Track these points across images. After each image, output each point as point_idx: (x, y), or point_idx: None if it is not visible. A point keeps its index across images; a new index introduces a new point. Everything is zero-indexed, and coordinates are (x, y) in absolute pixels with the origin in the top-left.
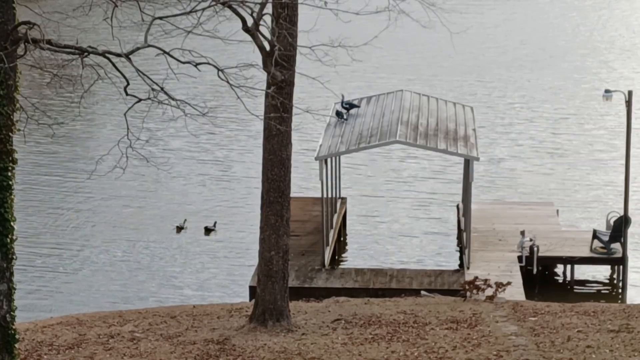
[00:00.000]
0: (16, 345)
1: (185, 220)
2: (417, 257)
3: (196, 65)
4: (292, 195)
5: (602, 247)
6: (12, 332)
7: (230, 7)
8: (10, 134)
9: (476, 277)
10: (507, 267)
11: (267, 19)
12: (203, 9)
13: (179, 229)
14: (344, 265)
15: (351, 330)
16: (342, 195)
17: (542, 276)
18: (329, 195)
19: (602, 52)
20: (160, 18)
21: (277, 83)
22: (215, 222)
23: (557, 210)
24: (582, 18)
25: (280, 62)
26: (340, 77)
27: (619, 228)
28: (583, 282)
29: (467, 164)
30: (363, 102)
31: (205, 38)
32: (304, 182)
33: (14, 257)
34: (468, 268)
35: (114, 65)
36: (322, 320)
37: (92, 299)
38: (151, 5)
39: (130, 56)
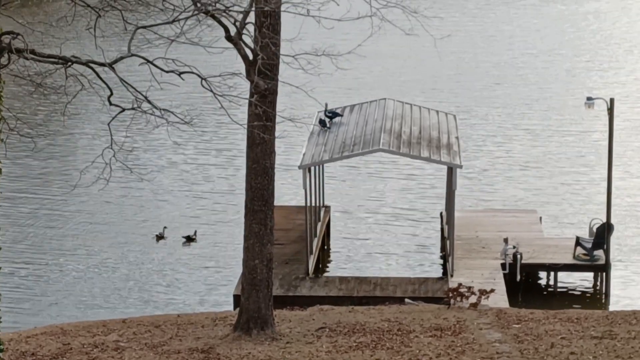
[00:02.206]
0: (0, 355)
1: (165, 228)
2: (401, 265)
3: (180, 74)
4: (275, 203)
5: (585, 254)
6: None
7: (213, 16)
8: None
9: (460, 285)
10: (490, 274)
11: (250, 27)
12: (186, 18)
13: (159, 237)
14: (328, 274)
15: (335, 338)
16: (325, 204)
17: (525, 283)
18: (313, 204)
19: (584, 59)
20: (144, 27)
21: (261, 92)
22: (195, 231)
23: (540, 218)
24: (562, 26)
25: (263, 71)
26: (323, 85)
27: (602, 235)
28: (566, 289)
29: (450, 172)
30: (346, 111)
31: (189, 47)
32: (288, 191)
33: None
34: (452, 276)
35: (97, 75)
36: (306, 329)
37: (75, 309)
38: (134, 15)
39: (114, 66)
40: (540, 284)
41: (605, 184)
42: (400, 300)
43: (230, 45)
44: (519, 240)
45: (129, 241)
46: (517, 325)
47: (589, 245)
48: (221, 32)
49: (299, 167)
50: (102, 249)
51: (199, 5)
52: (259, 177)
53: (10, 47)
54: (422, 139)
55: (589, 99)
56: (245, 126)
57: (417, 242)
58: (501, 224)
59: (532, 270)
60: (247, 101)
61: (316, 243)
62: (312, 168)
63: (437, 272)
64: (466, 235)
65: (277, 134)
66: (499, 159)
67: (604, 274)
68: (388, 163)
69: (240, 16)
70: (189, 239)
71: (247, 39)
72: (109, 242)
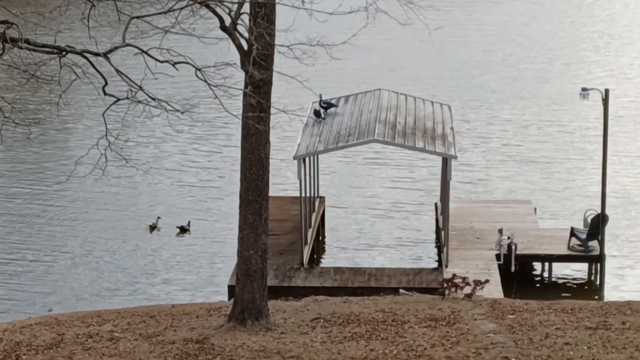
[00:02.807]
0: None
1: (159, 218)
2: (395, 256)
3: (174, 64)
4: (270, 194)
5: (579, 245)
6: None
7: (207, 6)
8: None
9: (454, 275)
10: (485, 265)
11: (245, 18)
12: (181, 8)
13: (152, 228)
14: (322, 264)
15: (330, 328)
16: (320, 194)
17: (520, 274)
18: (308, 194)
19: (578, 50)
20: (138, 17)
21: (255, 82)
22: (189, 221)
23: (535, 208)
24: (556, 16)
25: (258, 61)
26: (318, 76)
27: (597, 226)
28: (561, 280)
29: (445, 163)
30: (341, 101)
31: (183, 37)
32: (283, 181)
33: None
34: (446, 266)
35: (92, 64)
36: (301, 319)
37: (69, 299)
38: (128, 5)
39: (108, 55)
40: (534, 274)
41: (599, 174)
42: (394, 291)
43: (225, 36)
44: (514, 231)
45: (124, 232)
46: (511, 316)
47: (584, 236)
48: (216, 22)
49: (294, 158)
50: (96, 239)
51: None
52: (254, 168)
53: (4, 37)
54: (416, 130)
55: (583, 89)
56: (240, 117)
57: (412, 233)
58: (496, 215)
59: (526, 261)
60: (241, 92)
61: (311, 234)
62: (307, 158)
63: (432, 263)
64: (461, 226)
65: (271, 124)
66: (493, 150)
67: (599, 264)
68: (383, 154)
69: (235, 6)
70: (183, 230)
71: (242, 29)
72: (103, 233)
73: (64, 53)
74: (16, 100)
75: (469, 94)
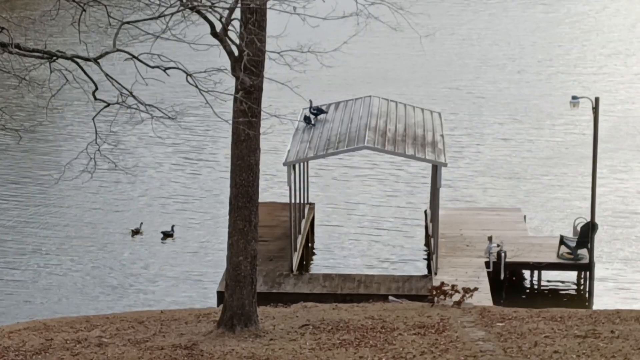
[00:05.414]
0: None
1: (142, 223)
2: (385, 263)
3: (165, 69)
4: (260, 200)
5: (569, 253)
6: None
7: (198, 12)
8: None
9: (443, 283)
10: (474, 272)
11: (236, 24)
12: (171, 14)
13: (135, 232)
14: (312, 271)
15: (319, 335)
16: (310, 201)
17: (509, 282)
18: (297, 201)
19: (569, 60)
20: (129, 23)
21: (246, 88)
22: (172, 226)
23: (525, 216)
24: (545, 26)
25: (249, 67)
26: (308, 82)
27: (586, 234)
28: (550, 288)
29: (435, 170)
30: (331, 108)
31: (174, 43)
32: (272, 188)
33: None
34: (436, 274)
35: (82, 69)
36: (290, 326)
37: (57, 305)
38: (119, 10)
39: (99, 60)
40: (524, 282)
41: (589, 183)
42: (384, 298)
43: (215, 42)
44: (503, 239)
45: (110, 237)
46: (500, 324)
47: (573, 244)
48: (207, 28)
49: (284, 164)
50: (83, 244)
51: (184, 0)
52: (244, 174)
53: None
54: (407, 137)
55: (574, 97)
56: (230, 122)
57: (401, 240)
58: (485, 222)
59: (516, 268)
60: (232, 97)
61: (300, 240)
62: (297, 165)
63: (421, 270)
64: (450, 233)
65: (262, 130)
66: (483, 157)
67: (588, 272)
68: (373, 160)
69: (226, 12)
70: (167, 235)
71: (233, 36)
72: (91, 238)
73: (54, 58)
74: (7, 103)
75: (459, 101)
